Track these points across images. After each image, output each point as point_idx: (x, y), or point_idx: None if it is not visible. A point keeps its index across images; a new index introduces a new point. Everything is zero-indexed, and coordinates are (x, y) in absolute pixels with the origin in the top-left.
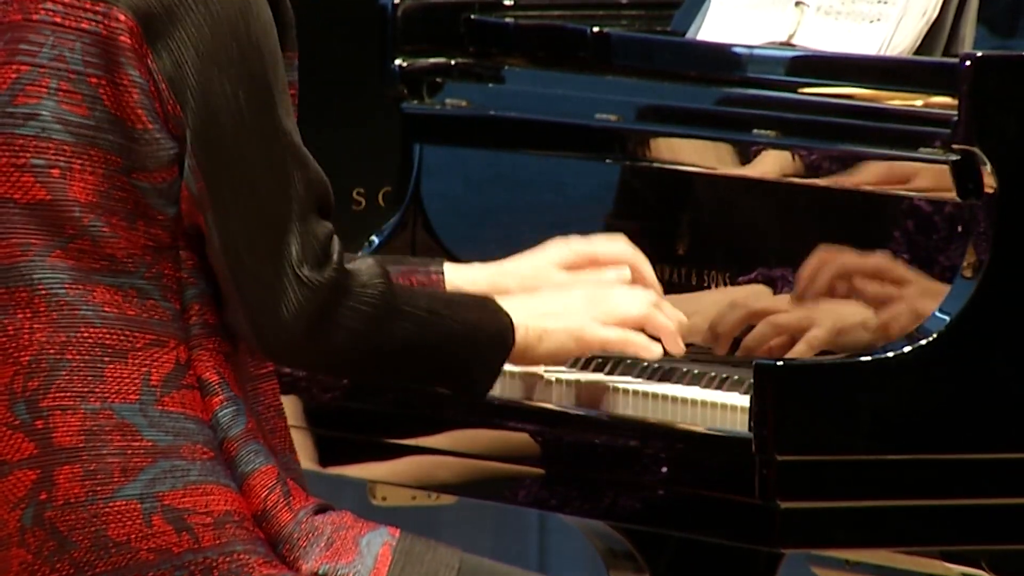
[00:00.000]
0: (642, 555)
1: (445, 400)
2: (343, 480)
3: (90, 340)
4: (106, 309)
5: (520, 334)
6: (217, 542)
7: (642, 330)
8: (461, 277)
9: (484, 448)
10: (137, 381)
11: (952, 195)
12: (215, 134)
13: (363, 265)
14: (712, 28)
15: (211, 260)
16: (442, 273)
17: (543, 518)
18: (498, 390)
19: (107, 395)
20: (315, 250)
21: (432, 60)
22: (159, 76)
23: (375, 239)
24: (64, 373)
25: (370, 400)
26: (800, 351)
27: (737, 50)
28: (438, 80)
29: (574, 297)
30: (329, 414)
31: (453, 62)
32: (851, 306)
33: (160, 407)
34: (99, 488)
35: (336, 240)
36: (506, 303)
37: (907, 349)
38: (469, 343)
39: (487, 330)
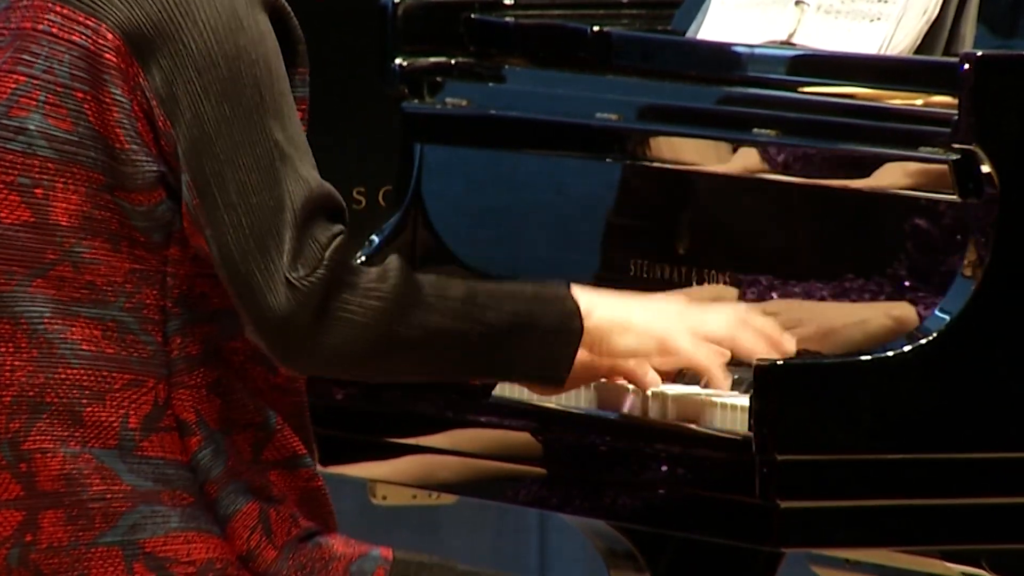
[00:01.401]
0: (642, 555)
1: (444, 400)
2: (343, 479)
3: (67, 382)
4: (84, 347)
5: (593, 321)
6: None
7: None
8: None
9: (484, 448)
10: (115, 426)
11: (952, 194)
12: (205, 148)
13: (380, 263)
14: (712, 27)
15: (219, 276)
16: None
17: (543, 518)
18: (498, 390)
19: (87, 439)
20: (313, 253)
21: (432, 59)
22: (150, 93)
23: (375, 238)
24: (44, 416)
25: (371, 400)
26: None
27: (737, 49)
28: (438, 79)
29: (667, 303)
30: (329, 414)
31: (453, 61)
32: (838, 308)
33: (139, 453)
34: (81, 534)
35: (338, 240)
36: (594, 296)
37: (907, 349)
38: (518, 332)
39: (544, 318)
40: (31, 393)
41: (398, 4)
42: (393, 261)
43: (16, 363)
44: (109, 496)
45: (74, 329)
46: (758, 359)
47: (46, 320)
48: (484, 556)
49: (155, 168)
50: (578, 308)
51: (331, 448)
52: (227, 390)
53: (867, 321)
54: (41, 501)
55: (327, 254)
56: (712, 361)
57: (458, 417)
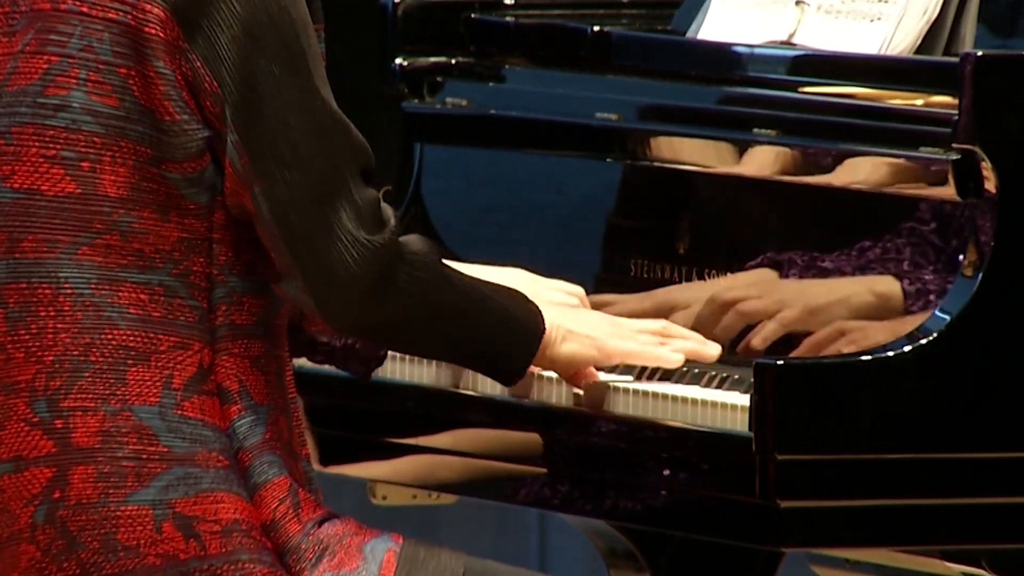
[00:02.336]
0: (643, 554)
1: (445, 399)
2: (343, 479)
3: (114, 342)
4: (131, 311)
5: (546, 325)
6: (223, 550)
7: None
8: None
9: (485, 447)
10: (159, 384)
11: (952, 194)
12: (254, 107)
13: (411, 236)
14: (712, 27)
15: (261, 234)
16: None
17: (543, 518)
18: (499, 389)
19: (128, 397)
20: (369, 213)
21: (432, 59)
22: (194, 56)
23: None
24: (87, 375)
25: (371, 399)
26: (772, 329)
27: (737, 49)
28: (438, 79)
29: (595, 316)
30: (330, 413)
31: (453, 61)
32: (820, 285)
33: (179, 411)
34: (112, 491)
35: (387, 205)
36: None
37: (907, 348)
38: (508, 321)
39: (520, 313)
40: (75, 352)
41: (398, 4)
42: (421, 237)
43: (59, 326)
44: (144, 456)
45: (121, 294)
46: (757, 360)
47: (92, 285)
48: (484, 556)
49: (204, 134)
50: (539, 310)
51: (331, 448)
52: (267, 369)
53: (850, 297)
54: (74, 457)
55: (390, 219)
56: (648, 349)
57: (458, 417)
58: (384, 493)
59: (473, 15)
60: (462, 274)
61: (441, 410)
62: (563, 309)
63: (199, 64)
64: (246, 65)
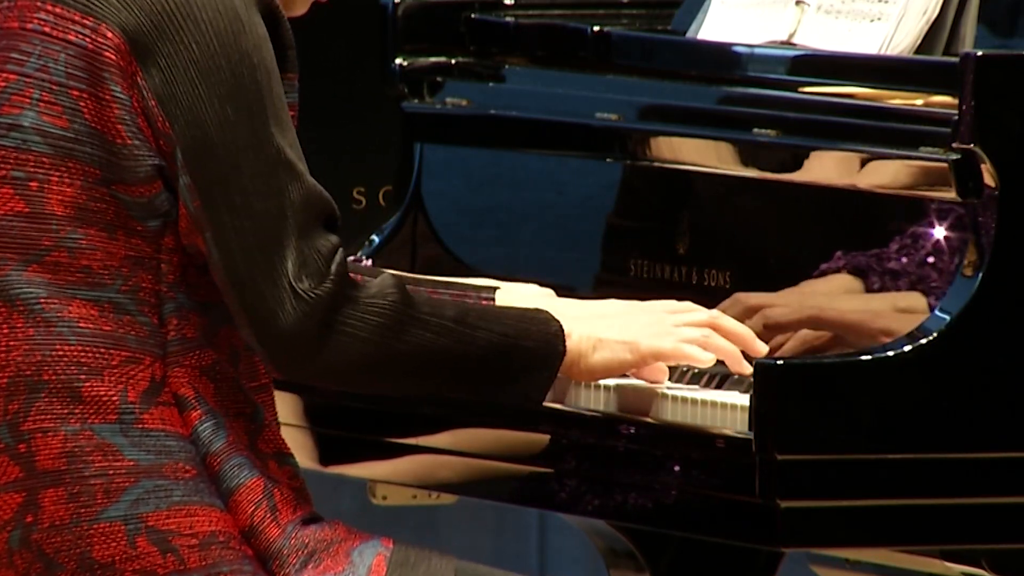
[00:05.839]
0: (643, 554)
1: (446, 400)
2: (343, 479)
3: (65, 359)
4: (81, 325)
5: (573, 342)
6: (203, 563)
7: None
8: (513, 300)
9: (485, 447)
10: (115, 399)
11: (952, 194)
12: (207, 150)
13: (377, 278)
14: (712, 27)
15: (213, 276)
16: (492, 299)
17: (543, 518)
18: None
19: (86, 415)
20: (316, 264)
21: (433, 59)
22: (148, 93)
23: (375, 238)
24: (43, 395)
25: (371, 399)
26: (791, 348)
27: (737, 49)
28: (439, 79)
29: (636, 310)
30: (330, 413)
31: (454, 61)
32: (849, 301)
33: (140, 425)
34: (83, 510)
35: (340, 252)
36: (562, 310)
37: (908, 348)
38: (507, 353)
39: (530, 340)
40: (28, 372)
41: (398, 4)
42: (388, 278)
43: (12, 343)
44: (111, 472)
45: (71, 308)
46: (757, 360)
47: (42, 300)
48: (484, 556)
49: (155, 161)
50: (561, 330)
51: (331, 448)
52: (221, 376)
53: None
54: (41, 480)
55: (333, 268)
56: (685, 349)
57: (458, 417)
58: (384, 493)
59: (473, 15)
60: (443, 310)
61: (441, 410)
62: (600, 311)
63: (153, 103)
64: (199, 107)
